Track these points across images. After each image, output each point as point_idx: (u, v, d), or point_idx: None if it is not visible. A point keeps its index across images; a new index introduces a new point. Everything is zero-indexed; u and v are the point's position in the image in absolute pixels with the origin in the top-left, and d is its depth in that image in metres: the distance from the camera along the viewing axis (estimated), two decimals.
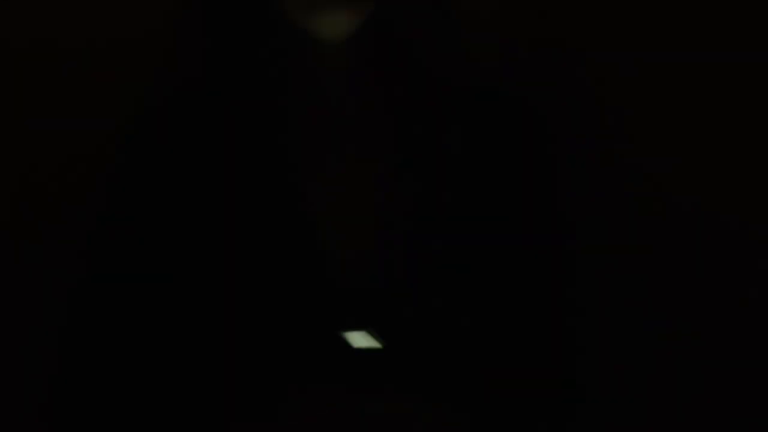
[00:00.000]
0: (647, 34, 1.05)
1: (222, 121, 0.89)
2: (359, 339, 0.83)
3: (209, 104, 0.90)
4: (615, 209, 1.06)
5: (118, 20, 1.08)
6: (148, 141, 0.90)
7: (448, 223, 0.87)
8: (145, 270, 0.86)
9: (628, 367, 1.07)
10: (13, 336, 1.09)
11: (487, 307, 0.86)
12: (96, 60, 1.08)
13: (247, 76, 0.89)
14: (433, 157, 0.88)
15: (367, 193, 0.87)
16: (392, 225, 0.86)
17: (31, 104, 1.09)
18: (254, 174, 0.87)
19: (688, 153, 1.04)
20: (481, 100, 0.92)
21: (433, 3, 0.90)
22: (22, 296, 1.09)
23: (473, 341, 0.86)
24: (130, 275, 0.86)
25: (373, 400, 0.79)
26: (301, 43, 0.87)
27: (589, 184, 1.06)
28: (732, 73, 1.02)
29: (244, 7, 0.89)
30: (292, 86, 0.90)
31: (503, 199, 0.88)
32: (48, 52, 1.09)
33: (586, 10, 1.07)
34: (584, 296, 0.96)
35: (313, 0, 0.80)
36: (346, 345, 0.83)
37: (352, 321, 0.84)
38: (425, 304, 0.84)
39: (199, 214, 0.86)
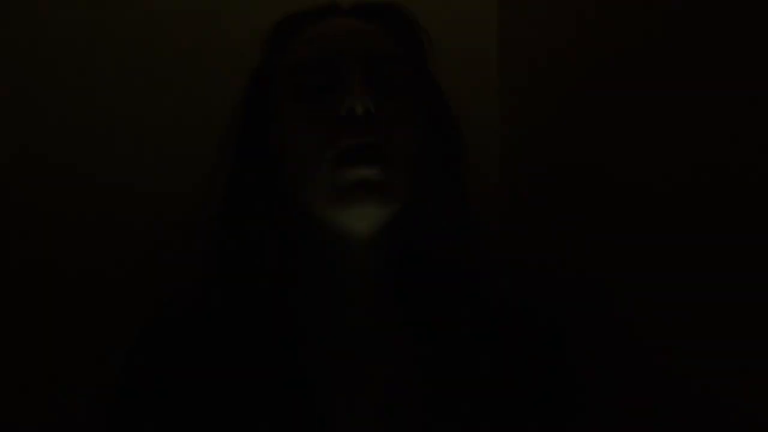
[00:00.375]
0: None
1: (237, 338, 0.86)
2: None
3: (223, 321, 0.87)
4: None
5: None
6: (156, 362, 0.87)
7: None
8: None
9: None
10: None
11: None
12: None
13: (267, 278, 0.88)
14: (458, 377, 0.86)
15: (390, 413, 0.84)
16: None
17: None
18: (271, 400, 0.83)
19: None
20: (506, 317, 0.91)
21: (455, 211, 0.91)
22: None
23: None
24: None
25: None
26: (327, 242, 0.87)
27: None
28: None
29: (269, 205, 0.89)
30: (311, 285, 0.89)
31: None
32: None
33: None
34: None
35: (343, 196, 0.82)
36: None
37: None
38: None
39: None
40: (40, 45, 1.19)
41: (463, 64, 1.27)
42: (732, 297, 0.91)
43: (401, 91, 0.88)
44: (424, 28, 0.95)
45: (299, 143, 0.86)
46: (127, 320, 0.94)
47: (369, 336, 0.88)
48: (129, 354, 0.89)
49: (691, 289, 0.96)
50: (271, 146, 0.90)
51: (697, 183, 0.95)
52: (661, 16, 1.00)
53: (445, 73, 0.97)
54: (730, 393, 0.91)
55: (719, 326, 0.92)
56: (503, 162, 1.33)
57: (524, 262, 1.21)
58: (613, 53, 1.08)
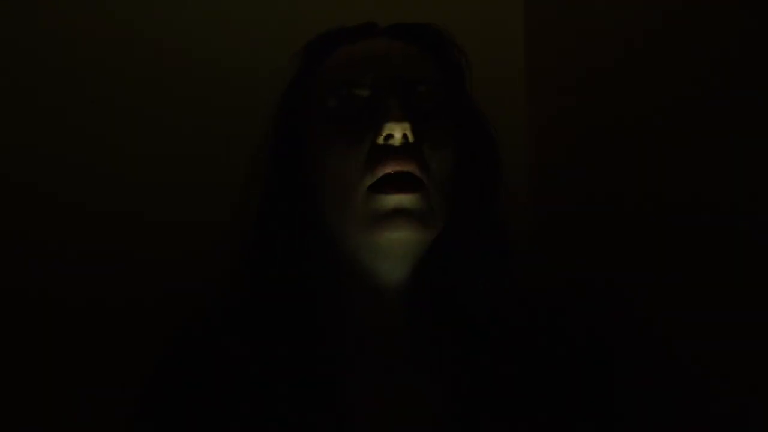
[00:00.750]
0: None
1: (265, 359, 0.86)
2: None
3: (254, 338, 0.87)
4: None
5: None
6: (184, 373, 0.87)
7: None
8: None
9: None
10: None
11: None
12: None
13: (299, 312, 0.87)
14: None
15: None
16: None
17: None
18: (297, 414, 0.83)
19: None
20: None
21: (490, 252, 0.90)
22: None
23: None
24: None
25: None
26: (361, 267, 0.86)
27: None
28: None
29: (301, 228, 0.88)
30: (343, 308, 0.89)
31: None
32: None
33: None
34: None
35: (380, 222, 0.82)
36: None
37: None
38: None
39: None
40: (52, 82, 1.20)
41: (491, 90, 1.27)
42: None
43: (439, 117, 0.87)
44: (463, 51, 0.94)
45: (335, 168, 0.85)
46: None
47: (400, 354, 0.87)
48: (164, 352, 0.89)
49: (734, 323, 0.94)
50: (303, 168, 0.89)
51: (735, 211, 0.93)
52: (685, 45, 1.00)
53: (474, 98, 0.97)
54: None
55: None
56: (531, 187, 1.33)
57: (555, 286, 1.19)
58: (645, 80, 1.08)
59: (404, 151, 0.82)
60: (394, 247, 0.84)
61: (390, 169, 0.81)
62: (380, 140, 0.82)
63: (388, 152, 0.82)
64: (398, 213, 0.81)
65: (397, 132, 0.81)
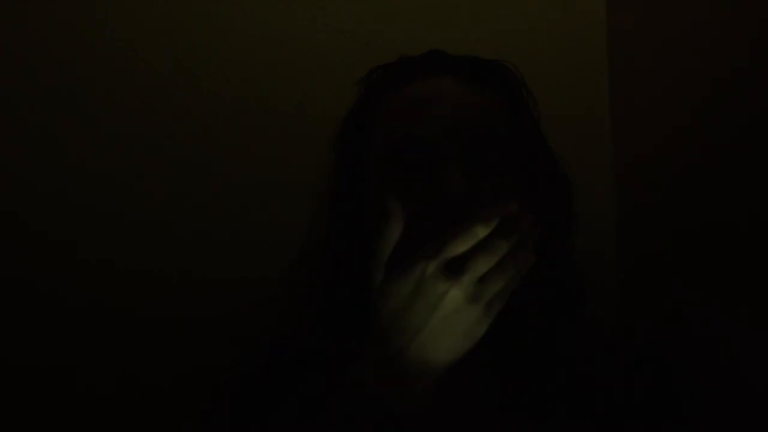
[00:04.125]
0: None
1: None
2: None
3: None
4: None
5: None
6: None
7: None
8: None
9: None
10: None
11: None
12: None
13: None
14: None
15: None
16: None
17: None
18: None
19: None
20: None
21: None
22: None
23: None
24: None
25: None
26: None
27: None
28: None
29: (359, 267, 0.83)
30: None
31: None
32: None
33: None
34: None
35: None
36: None
37: None
38: None
39: None
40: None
41: (575, 130, 1.26)
42: None
43: (505, 167, 0.84)
44: (531, 93, 0.92)
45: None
46: None
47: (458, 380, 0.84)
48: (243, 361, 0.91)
49: None
50: (360, 208, 0.88)
51: None
52: None
53: (556, 139, 0.95)
54: None
55: None
56: (619, 235, 1.30)
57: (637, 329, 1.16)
58: (736, 120, 1.05)
59: (462, 204, 0.80)
60: None
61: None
62: (438, 197, 0.81)
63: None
64: None
65: (455, 190, 0.80)
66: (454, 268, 0.72)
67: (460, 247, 0.73)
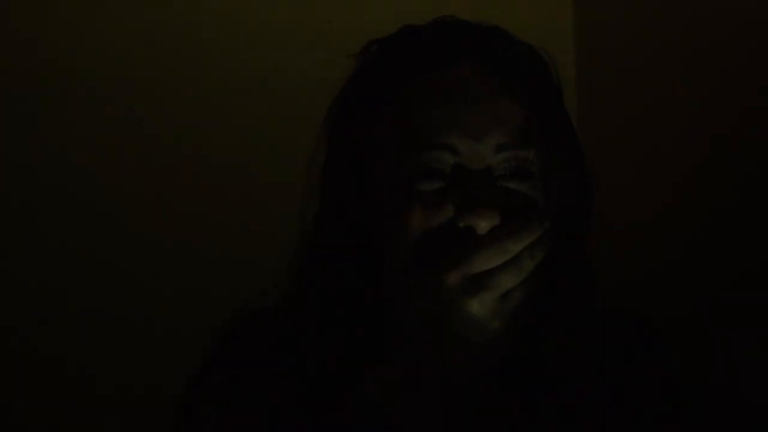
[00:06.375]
0: None
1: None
2: None
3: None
4: None
5: None
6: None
7: None
8: None
9: None
10: None
11: None
12: None
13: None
14: None
15: None
16: None
17: None
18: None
19: None
20: None
21: None
22: None
23: None
24: None
25: None
26: None
27: None
28: None
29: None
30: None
31: None
32: None
33: None
34: None
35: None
36: None
37: None
38: None
39: None
40: None
41: None
42: None
43: (530, 174, 0.75)
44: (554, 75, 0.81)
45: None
46: None
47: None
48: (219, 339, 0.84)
49: None
50: (362, 205, 0.80)
51: None
52: None
53: None
54: None
55: None
56: None
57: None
58: None
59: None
60: None
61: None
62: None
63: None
64: None
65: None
66: (478, 281, 0.69)
67: (489, 261, 0.69)
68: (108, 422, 1.17)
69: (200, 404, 0.81)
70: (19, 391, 1.18)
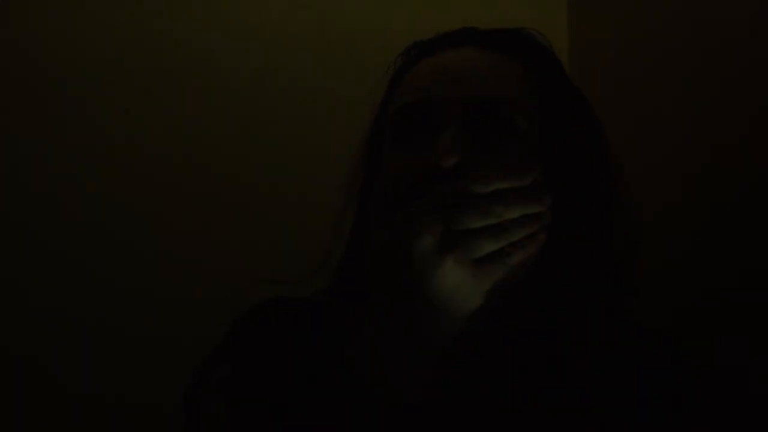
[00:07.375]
0: None
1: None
2: None
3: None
4: None
5: None
6: None
7: None
8: None
9: None
10: None
11: None
12: None
13: None
14: None
15: None
16: None
17: None
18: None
19: None
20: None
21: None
22: None
23: None
24: None
25: None
26: None
27: None
28: None
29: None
30: None
31: None
32: None
33: None
34: None
35: None
36: None
37: None
38: None
39: None
40: None
41: None
42: None
43: (526, 142, 0.76)
44: (554, 54, 0.84)
45: (390, 189, 0.77)
46: None
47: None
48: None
49: None
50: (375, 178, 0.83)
51: None
52: None
53: None
54: None
55: None
56: None
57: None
58: None
59: (462, 175, 0.71)
60: None
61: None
62: (433, 161, 0.74)
63: (444, 174, 0.73)
64: None
65: (445, 159, 0.73)
66: (456, 237, 0.67)
67: (472, 220, 0.67)
68: (108, 425, 1.18)
69: (207, 395, 0.80)
70: (19, 395, 1.18)
